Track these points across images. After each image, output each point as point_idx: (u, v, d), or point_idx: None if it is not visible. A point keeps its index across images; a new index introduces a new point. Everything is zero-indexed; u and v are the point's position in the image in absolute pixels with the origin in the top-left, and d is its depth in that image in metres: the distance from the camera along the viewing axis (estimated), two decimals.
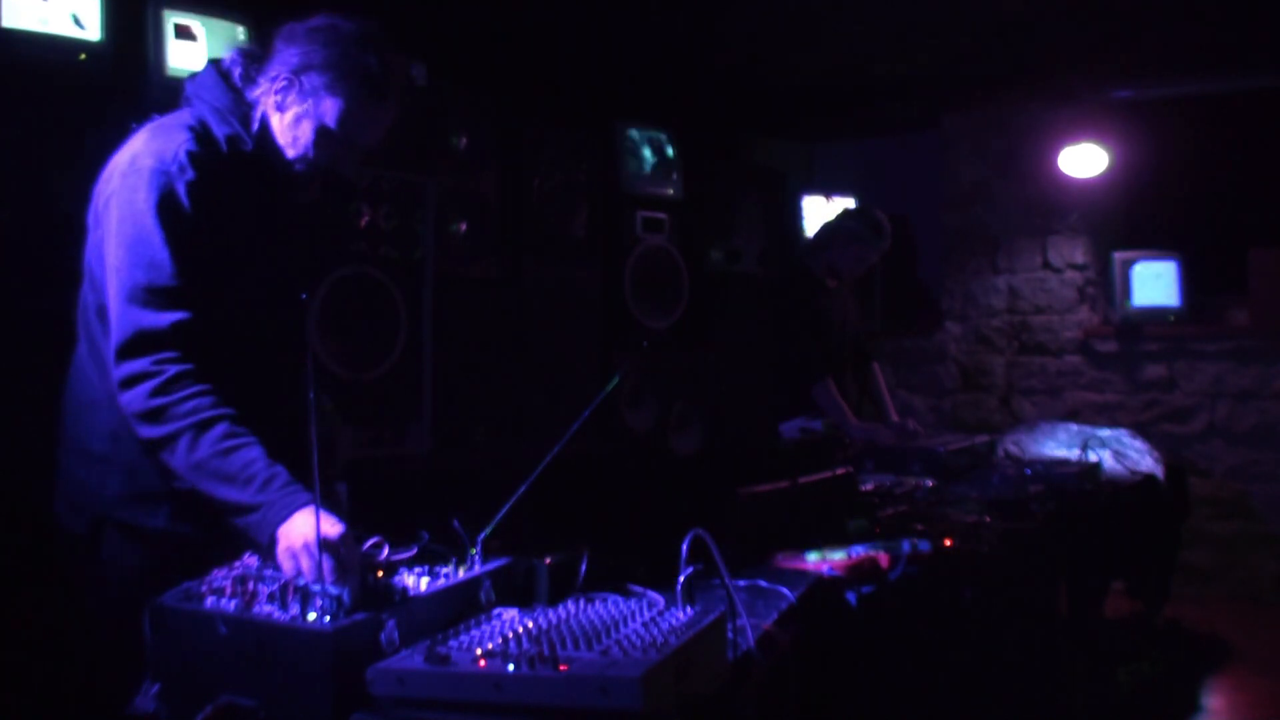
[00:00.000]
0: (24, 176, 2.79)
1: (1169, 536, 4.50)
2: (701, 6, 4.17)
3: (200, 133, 1.90)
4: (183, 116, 1.95)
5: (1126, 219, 6.04)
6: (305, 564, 1.59)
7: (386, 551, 1.78)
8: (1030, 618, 3.03)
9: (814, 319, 4.25)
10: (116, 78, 2.97)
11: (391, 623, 1.55)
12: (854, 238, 4.24)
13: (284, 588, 1.56)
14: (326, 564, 1.57)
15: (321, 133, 1.94)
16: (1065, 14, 4.33)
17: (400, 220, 3.73)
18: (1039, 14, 4.32)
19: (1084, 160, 5.64)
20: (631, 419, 4.59)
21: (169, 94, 3.01)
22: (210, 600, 1.58)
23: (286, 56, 1.93)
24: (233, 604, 1.56)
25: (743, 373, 5.01)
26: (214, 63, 2.02)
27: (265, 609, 1.54)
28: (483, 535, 1.89)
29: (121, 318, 1.78)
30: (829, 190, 6.14)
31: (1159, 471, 4.15)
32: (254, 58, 1.98)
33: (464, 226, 4.02)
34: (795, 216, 5.91)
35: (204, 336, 1.81)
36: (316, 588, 1.54)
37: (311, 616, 1.51)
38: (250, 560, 1.71)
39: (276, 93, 1.93)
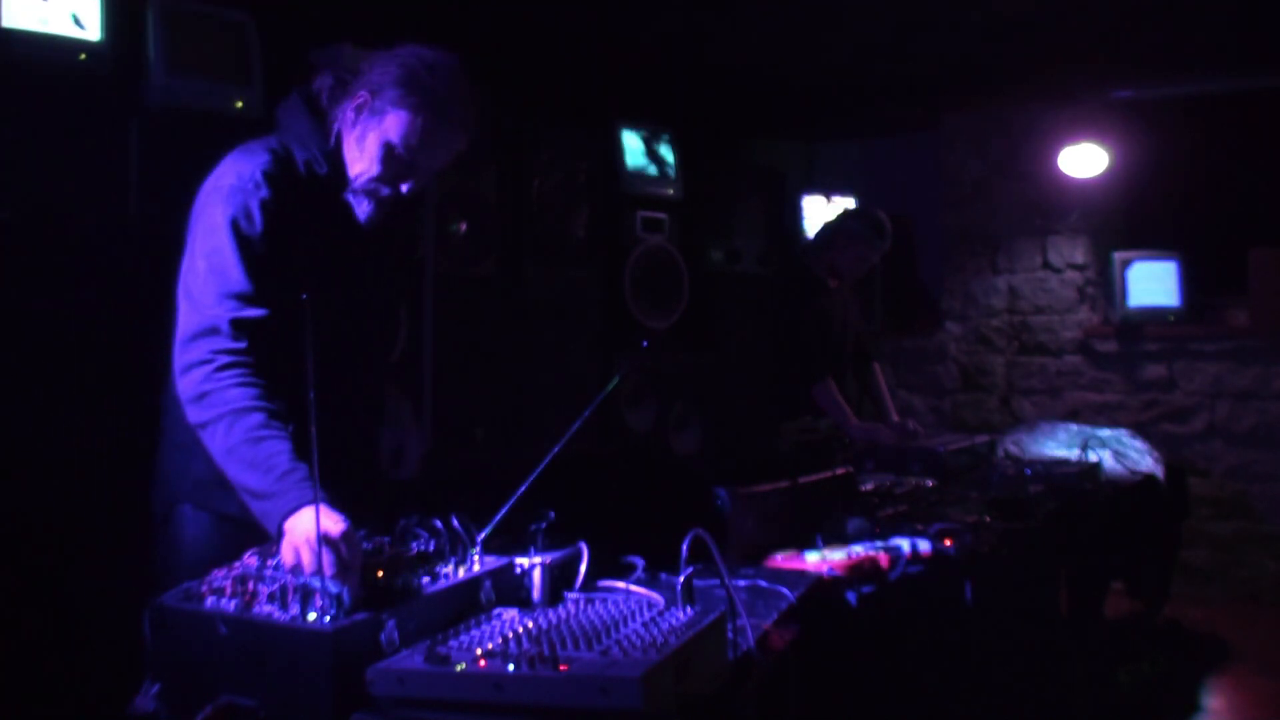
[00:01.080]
0: (24, 176, 2.79)
1: (1169, 536, 4.51)
2: (702, 6, 4.16)
3: (281, 155, 2.03)
4: (269, 140, 2.07)
5: (1126, 219, 6.04)
6: (306, 558, 1.60)
7: (387, 551, 1.78)
8: (1030, 618, 3.03)
9: (815, 319, 4.25)
10: (116, 78, 2.97)
11: (391, 623, 1.56)
12: (855, 238, 4.25)
13: (284, 588, 1.56)
14: (327, 559, 1.58)
15: (386, 149, 2.02)
16: (1065, 14, 4.33)
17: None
18: (1039, 14, 4.32)
19: (1084, 160, 5.64)
20: (631, 419, 4.59)
21: (169, 94, 3.04)
22: (210, 600, 1.59)
23: (369, 78, 2.04)
24: (233, 604, 1.57)
25: (743, 373, 5.01)
26: (301, 87, 2.13)
27: (265, 609, 1.55)
28: (483, 535, 1.90)
29: (188, 314, 1.90)
30: (829, 190, 6.13)
31: (1159, 471, 4.15)
32: (342, 82, 2.09)
33: (464, 226, 4.01)
34: (795, 216, 5.91)
35: (271, 343, 1.90)
36: (316, 584, 1.54)
37: (311, 616, 1.51)
38: (250, 560, 1.71)
39: (351, 110, 2.04)
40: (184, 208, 2.07)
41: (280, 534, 1.71)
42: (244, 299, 1.89)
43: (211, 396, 1.82)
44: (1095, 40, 4.74)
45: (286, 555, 1.65)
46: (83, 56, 2.88)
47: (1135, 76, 5.46)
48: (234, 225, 1.92)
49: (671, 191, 4.91)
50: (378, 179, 2.05)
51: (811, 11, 4.28)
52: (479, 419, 4.05)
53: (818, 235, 4.43)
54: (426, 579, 1.73)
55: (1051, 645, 3.21)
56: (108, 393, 2.88)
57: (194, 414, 1.85)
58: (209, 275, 1.91)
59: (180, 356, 1.88)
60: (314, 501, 1.66)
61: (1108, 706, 3.77)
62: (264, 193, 1.95)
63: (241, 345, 1.86)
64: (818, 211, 5.92)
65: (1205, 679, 4.25)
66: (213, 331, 1.86)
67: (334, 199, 2.08)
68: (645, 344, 4.66)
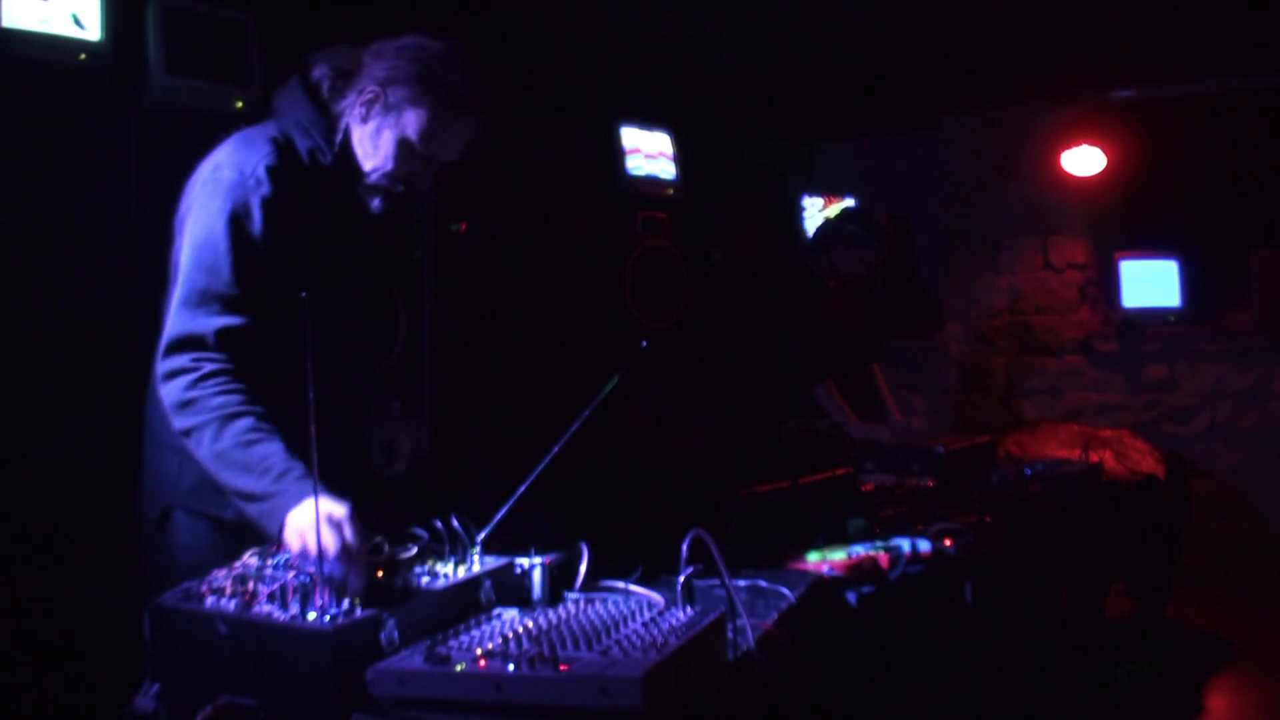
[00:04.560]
0: (24, 176, 2.79)
1: (1169, 536, 4.50)
2: (702, 7, 4.17)
3: (283, 145, 1.97)
4: (268, 128, 2.02)
5: (1126, 219, 6.04)
6: (310, 540, 1.61)
7: (386, 551, 1.78)
8: (1030, 618, 3.02)
9: (815, 319, 4.25)
10: (116, 78, 2.97)
11: (391, 623, 1.55)
12: (855, 241, 4.24)
13: (284, 588, 1.56)
14: (332, 540, 1.59)
15: (402, 145, 2.01)
16: (1065, 14, 4.33)
17: (400, 220, 3.73)
18: (1039, 14, 4.32)
19: (1084, 160, 5.64)
20: (631, 419, 4.59)
21: (169, 94, 3.04)
22: (210, 600, 1.58)
23: (374, 71, 2.00)
24: (233, 604, 1.56)
25: (743, 373, 5.01)
26: (300, 75, 2.07)
27: (265, 609, 1.54)
28: (482, 535, 1.90)
29: (175, 315, 1.86)
30: (829, 190, 6.14)
31: (1160, 471, 4.15)
32: (342, 73, 2.04)
33: (464, 226, 4.02)
34: (795, 216, 5.91)
35: (265, 343, 1.88)
36: (322, 570, 1.55)
37: (311, 616, 1.51)
38: (250, 560, 1.71)
39: (361, 105, 2.01)
40: None
41: (281, 533, 1.70)
42: (232, 303, 1.86)
43: (197, 403, 1.79)
44: (1095, 40, 4.74)
45: (292, 542, 1.66)
46: (83, 56, 2.88)
47: (1135, 76, 5.46)
48: (232, 223, 1.87)
49: (671, 191, 4.91)
50: (392, 174, 2.03)
51: (811, 11, 4.28)
52: (479, 419, 4.06)
53: (817, 236, 4.42)
54: (426, 579, 1.73)
55: (1051, 645, 3.21)
56: (107, 393, 2.88)
57: (179, 420, 1.82)
58: (198, 272, 1.86)
59: (163, 362, 1.84)
60: (314, 492, 1.64)
61: (1108, 706, 3.77)
62: (266, 189, 1.90)
63: (226, 352, 1.83)
64: (818, 211, 5.92)
65: (1205, 679, 4.24)
66: (197, 338, 1.83)
67: (336, 190, 2.04)
68: (645, 344, 4.66)
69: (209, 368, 1.81)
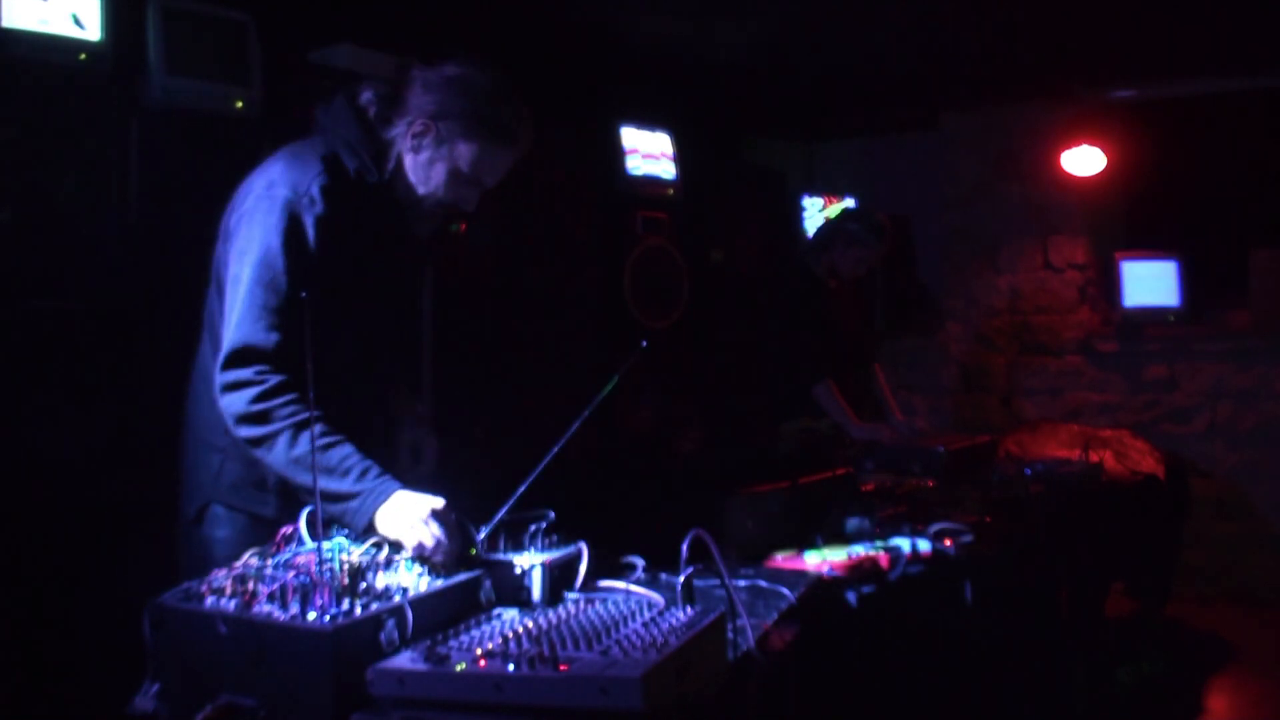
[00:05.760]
0: (24, 176, 2.79)
1: (1169, 536, 4.51)
2: (702, 7, 4.17)
3: (332, 164, 2.06)
4: (316, 146, 2.10)
5: (1126, 219, 6.03)
6: (432, 532, 1.79)
7: (386, 550, 1.78)
8: (1030, 618, 3.03)
9: (815, 319, 4.25)
10: (116, 78, 2.97)
11: (391, 622, 1.56)
12: (855, 240, 4.24)
13: (284, 587, 1.56)
14: (439, 531, 1.79)
15: (453, 174, 2.13)
16: (1065, 14, 4.33)
17: None
18: (1039, 14, 4.32)
19: (1084, 160, 5.64)
20: (631, 419, 4.59)
21: (169, 94, 3.04)
22: (210, 600, 1.58)
23: (423, 103, 2.10)
24: (233, 604, 1.57)
25: (743, 373, 5.02)
26: (347, 96, 2.16)
27: (265, 609, 1.55)
28: (482, 535, 1.90)
29: (236, 328, 1.94)
30: (829, 190, 6.13)
31: (1160, 471, 4.15)
32: (388, 100, 2.13)
33: (464, 226, 4.02)
34: (795, 216, 5.91)
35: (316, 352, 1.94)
36: (438, 557, 1.77)
37: (311, 616, 1.51)
38: (250, 560, 1.71)
39: (413, 136, 2.11)
40: (184, 208, 2.08)
41: (371, 528, 1.84)
42: (288, 320, 1.93)
43: (267, 414, 1.89)
44: (1095, 40, 4.74)
45: (408, 540, 1.79)
46: (83, 56, 2.88)
47: (1135, 76, 5.46)
48: (287, 240, 1.95)
49: (671, 191, 4.91)
50: (444, 200, 2.15)
51: (811, 11, 4.28)
52: (479, 418, 4.05)
53: (817, 236, 4.42)
54: (427, 579, 1.73)
55: (1051, 645, 3.21)
56: (107, 393, 2.88)
57: (246, 431, 1.91)
58: (259, 287, 1.94)
59: (226, 374, 1.92)
60: (402, 489, 1.86)
61: (1108, 706, 3.77)
62: (319, 208, 1.99)
63: (283, 366, 1.91)
64: (818, 211, 5.92)
65: (1205, 679, 4.25)
66: (259, 350, 1.91)
67: (379, 208, 2.13)
68: (645, 344, 4.66)
69: (274, 380, 1.90)
